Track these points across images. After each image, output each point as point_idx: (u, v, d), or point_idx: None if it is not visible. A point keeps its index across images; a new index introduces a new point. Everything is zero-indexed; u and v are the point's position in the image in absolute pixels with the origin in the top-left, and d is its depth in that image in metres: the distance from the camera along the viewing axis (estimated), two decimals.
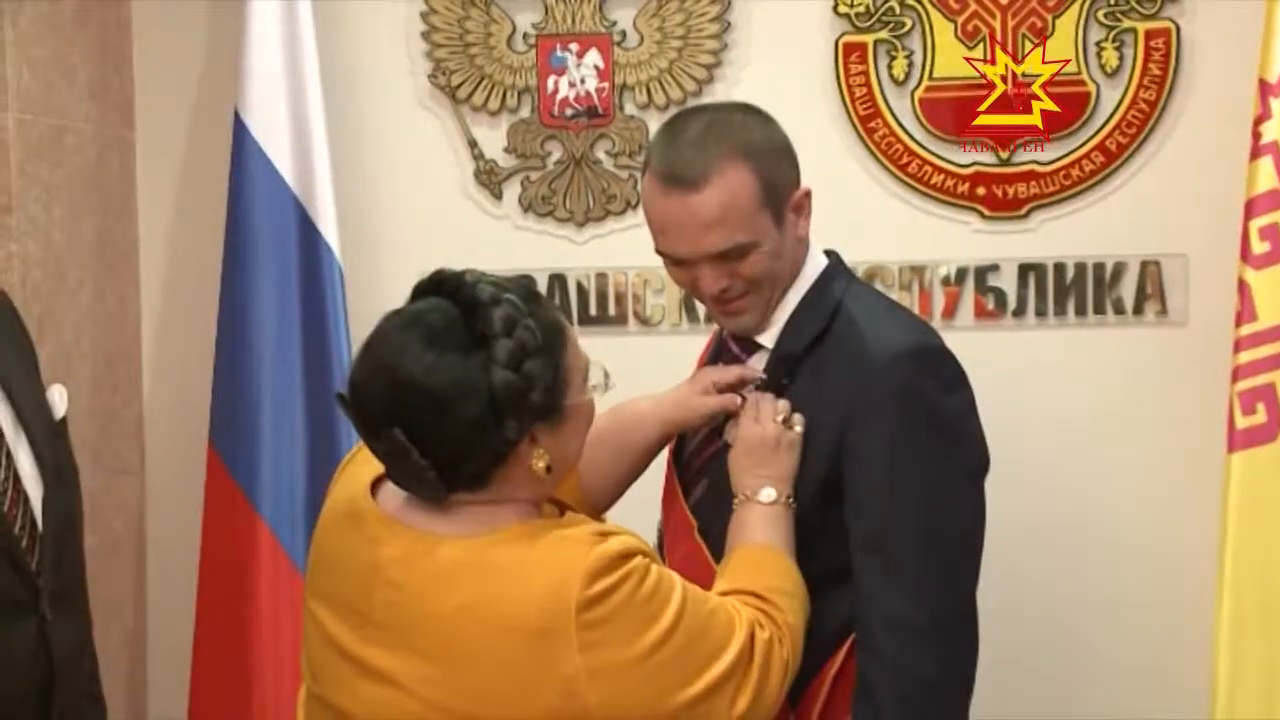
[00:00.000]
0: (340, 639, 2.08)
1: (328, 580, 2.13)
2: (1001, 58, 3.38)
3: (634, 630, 2.00)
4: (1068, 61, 3.37)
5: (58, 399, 2.33)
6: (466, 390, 1.97)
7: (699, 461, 2.50)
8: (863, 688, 2.28)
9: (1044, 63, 3.37)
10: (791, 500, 2.32)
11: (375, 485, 2.13)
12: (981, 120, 3.40)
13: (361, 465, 2.17)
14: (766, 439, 2.33)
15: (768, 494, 2.31)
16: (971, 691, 2.32)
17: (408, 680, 2.01)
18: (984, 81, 3.39)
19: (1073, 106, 3.39)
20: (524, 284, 2.12)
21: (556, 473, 2.09)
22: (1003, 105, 3.39)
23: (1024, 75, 3.38)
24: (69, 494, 2.28)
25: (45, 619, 2.18)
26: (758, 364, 2.43)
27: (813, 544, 2.32)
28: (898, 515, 2.27)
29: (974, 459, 2.34)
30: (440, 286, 2.08)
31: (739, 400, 2.39)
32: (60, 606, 2.21)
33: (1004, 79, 3.39)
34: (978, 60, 3.39)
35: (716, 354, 2.54)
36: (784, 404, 2.36)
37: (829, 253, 2.46)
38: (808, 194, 2.37)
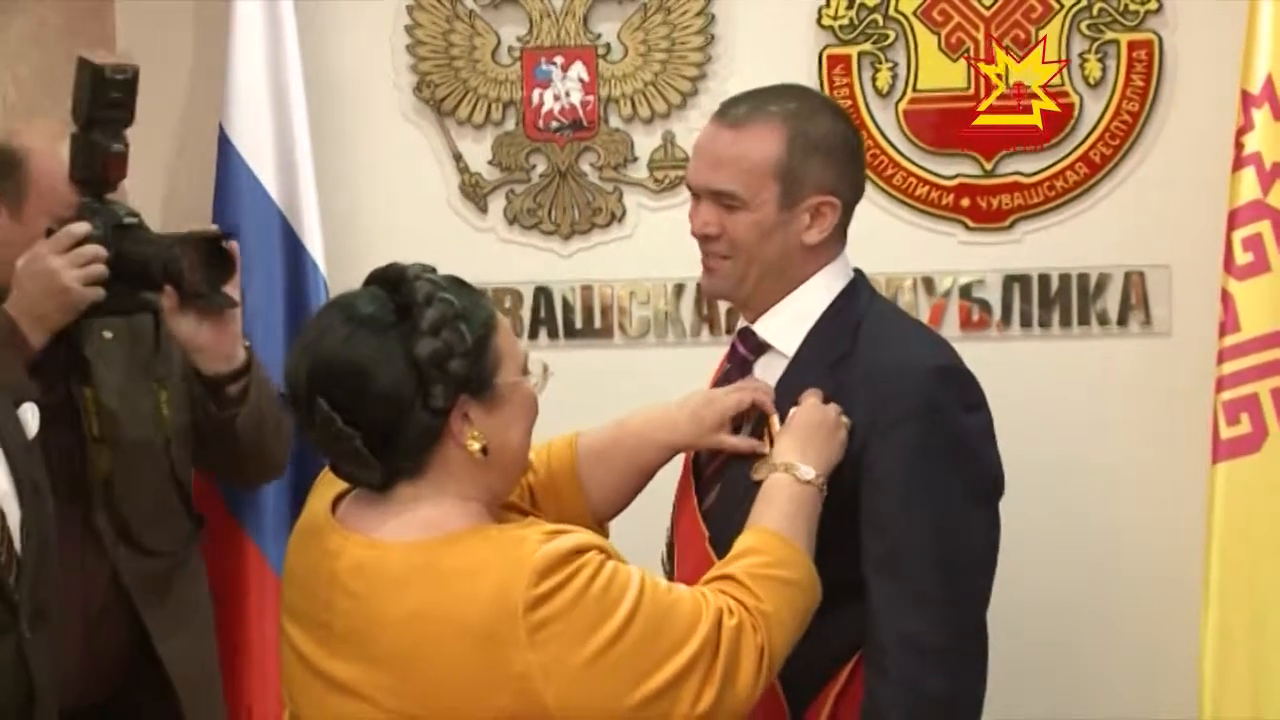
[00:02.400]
0: (309, 655, 2.09)
1: (296, 597, 2.14)
2: (1002, 58, 3.39)
3: (587, 627, 1.99)
4: (1066, 63, 3.38)
5: (29, 417, 2.29)
6: (386, 356, 2.00)
7: (713, 467, 2.47)
8: (872, 706, 2.26)
9: (1044, 63, 3.38)
10: (825, 488, 2.28)
11: (338, 501, 2.15)
12: (981, 121, 3.41)
13: (328, 485, 2.19)
14: (826, 422, 2.30)
15: (807, 471, 2.26)
16: (980, 714, 2.32)
17: (371, 690, 2.02)
18: (969, 93, 3.40)
19: (1056, 118, 3.40)
20: (459, 280, 2.14)
21: (496, 459, 2.08)
22: (1001, 107, 3.40)
23: (1008, 85, 3.39)
24: (44, 512, 2.26)
25: (24, 637, 2.17)
26: (765, 366, 2.43)
27: (825, 557, 2.29)
28: (913, 535, 2.25)
29: (990, 481, 2.35)
30: (376, 278, 2.13)
31: (766, 447, 2.36)
32: (38, 624, 2.19)
33: (1002, 78, 3.39)
34: (977, 60, 3.39)
35: (729, 364, 2.54)
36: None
37: (856, 270, 2.46)
38: (833, 206, 2.37)
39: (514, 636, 1.96)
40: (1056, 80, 3.38)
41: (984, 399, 2.36)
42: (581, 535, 2.07)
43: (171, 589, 2.80)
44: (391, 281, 2.08)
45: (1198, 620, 3.11)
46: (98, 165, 2.57)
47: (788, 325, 2.41)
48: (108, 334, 2.73)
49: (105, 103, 2.54)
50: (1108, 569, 3.42)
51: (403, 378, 2.00)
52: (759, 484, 2.29)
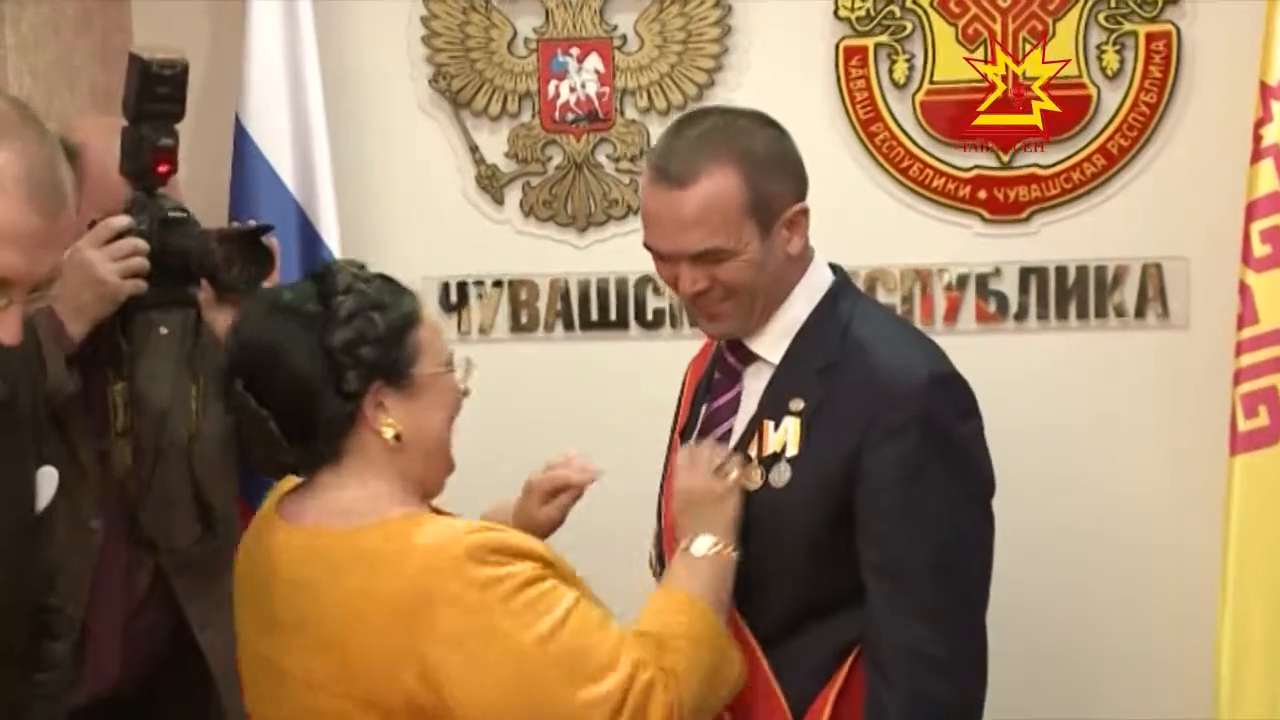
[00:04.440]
0: (263, 651, 2.14)
1: (248, 594, 2.21)
2: (1001, 58, 3.38)
3: (502, 631, 2.02)
4: (1067, 62, 3.37)
5: (46, 484, 2.17)
6: (299, 339, 2.11)
7: None
8: (877, 711, 2.27)
9: (1044, 63, 3.37)
10: (731, 549, 2.30)
11: (284, 501, 2.22)
12: (981, 121, 3.40)
13: (281, 485, 2.27)
14: (704, 491, 2.33)
15: (701, 545, 2.31)
16: (981, 717, 2.33)
17: (323, 678, 2.07)
18: (985, 84, 3.39)
19: (1074, 109, 3.39)
20: (388, 278, 2.23)
21: (412, 447, 2.15)
22: (1002, 106, 3.40)
23: (1024, 77, 3.38)
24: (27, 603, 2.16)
25: None
26: (754, 375, 2.42)
27: (822, 568, 2.32)
28: (912, 544, 2.26)
29: (984, 486, 2.34)
30: (309, 273, 2.24)
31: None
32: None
33: (1004, 79, 3.39)
34: (978, 60, 3.39)
35: (713, 365, 2.53)
36: (720, 450, 2.36)
37: (834, 267, 2.45)
38: (804, 211, 2.35)
39: (430, 619, 2.00)
40: (1073, 71, 3.37)
41: (976, 405, 2.34)
42: (523, 541, 2.12)
43: (213, 578, 2.81)
44: (319, 274, 2.19)
45: (1215, 614, 3.10)
46: (146, 159, 2.57)
47: (779, 334, 2.40)
48: (164, 329, 2.72)
49: (153, 96, 2.55)
50: (1124, 563, 3.42)
51: (314, 361, 2.09)
52: (751, 492, 2.33)
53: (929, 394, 2.27)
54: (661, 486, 2.59)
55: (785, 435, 2.34)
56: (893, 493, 2.26)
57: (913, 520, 2.25)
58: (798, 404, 2.34)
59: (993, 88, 3.39)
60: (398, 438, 2.13)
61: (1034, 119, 3.39)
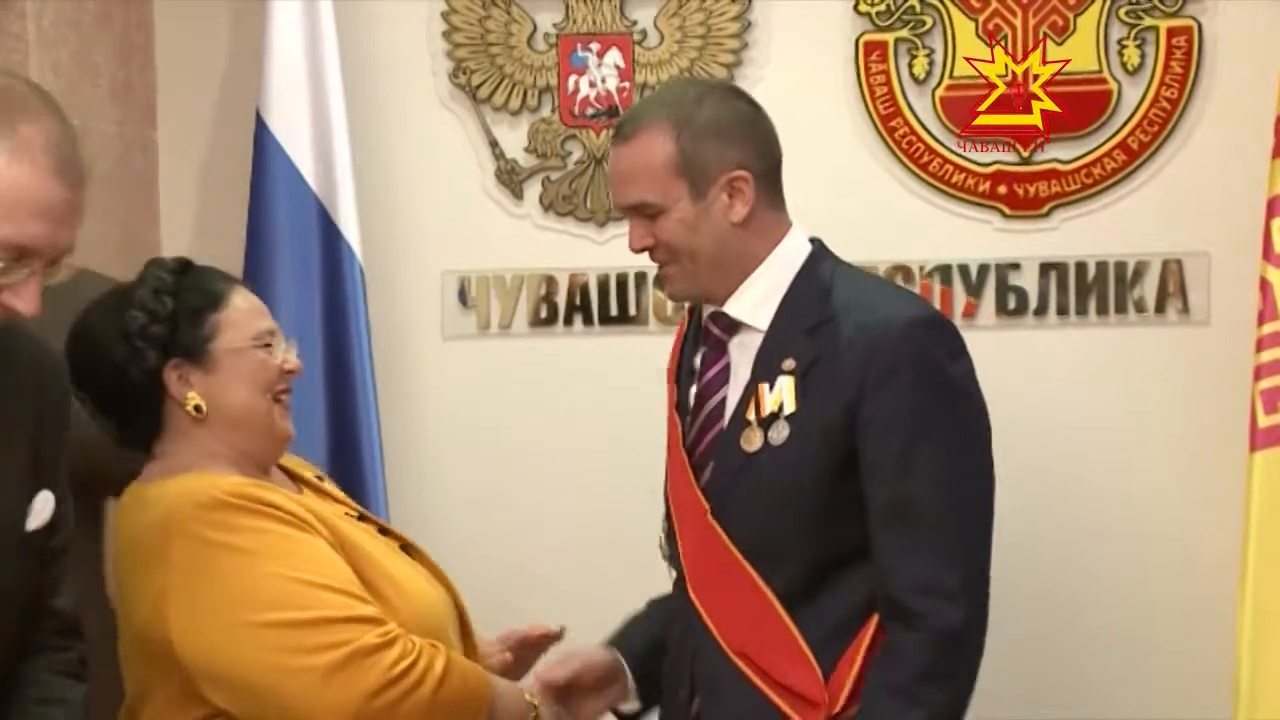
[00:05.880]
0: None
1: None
2: (1001, 58, 3.37)
3: (228, 567, 2.23)
4: (1067, 61, 3.36)
5: (41, 507, 2.13)
6: (103, 327, 2.38)
7: (702, 447, 2.53)
8: (893, 652, 2.34)
9: (1044, 63, 3.37)
10: None
11: None
12: (981, 120, 3.40)
13: None
14: None
15: None
16: (982, 651, 2.39)
17: (120, 623, 2.36)
18: (1006, 80, 3.39)
19: (1094, 105, 3.38)
20: (204, 268, 2.49)
21: (216, 418, 2.37)
22: (1004, 105, 3.39)
23: (1027, 75, 3.37)
24: (8, 612, 2.11)
25: None
26: (740, 344, 2.49)
27: (834, 524, 2.39)
28: (919, 482, 2.34)
29: (983, 424, 2.43)
30: None
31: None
32: None
33: (1003, 79, 3.38)
34: (978, 60, 3.38)
35: (695, 338, 2.59)
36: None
37: (814, 240, 2.54)
38: (743, 179, 2.44)
39: (166, 552, 2.24)
40: (1093, 66, 3.36)
41: (964, 346, 2.44)
42: (281, 498, 2.31)
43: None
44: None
45: (1234, 611, 3.09)
46: None
47: (758, 302, 2.48)
48: None
49: None
50: (1143, 559, 3.40)
51: (115, 345, 2.36)
52: (752, 453, 2.41)
53: (917, 335, 2.39)
54: (667, 471, 2.62)
55: (781, 394, 2.42)
56: (896, 434, 2.35)
57: (917, 458, 2.35)
58: (790, 363, 2.42)
59: (1009, 85, 3.38)
60: (197, 409, 2.37)
61: (1034, 119, 3.38)
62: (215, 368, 2.38)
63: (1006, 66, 3.38)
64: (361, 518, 2.55)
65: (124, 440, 2.44)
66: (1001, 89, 3.38)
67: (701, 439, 2.52)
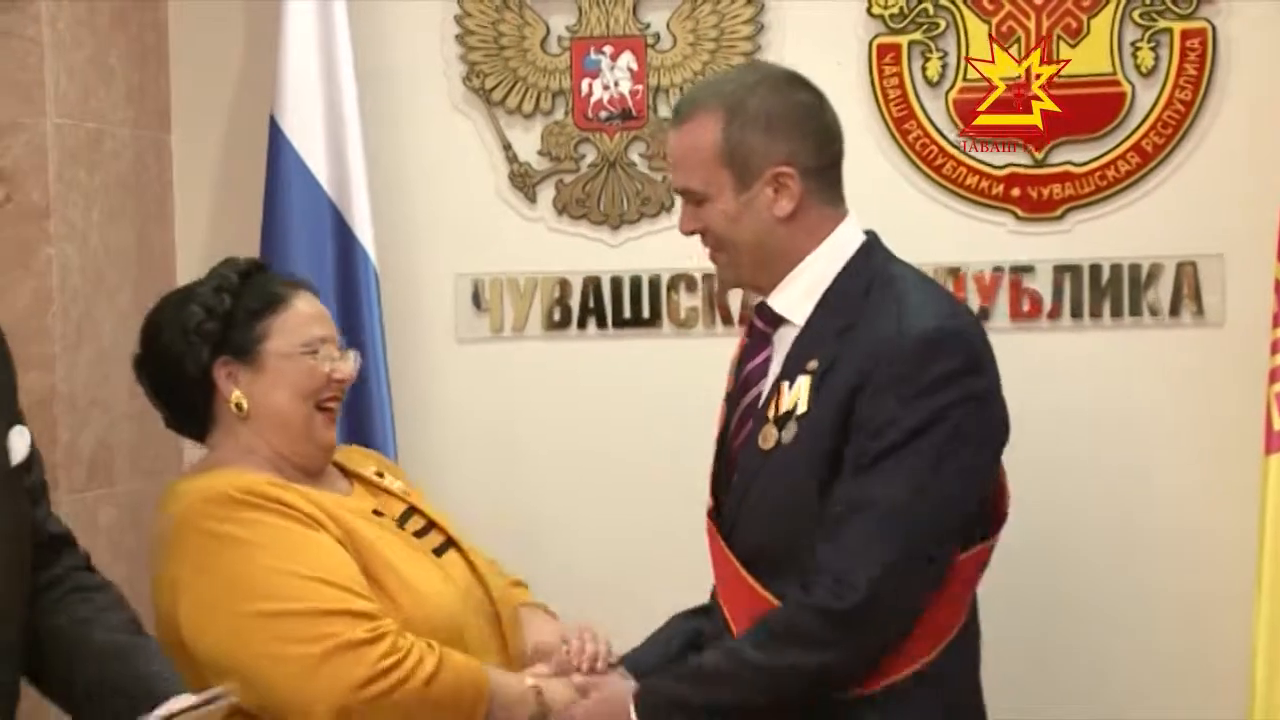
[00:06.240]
0: None
1: None
2: (1002, 58, 3.37)
3: (230, 559, 2.31)
4: (1067, 62, 3.36)
5: (18, 441, 2.24)
6: (166, 321, 2.51)
7: (739, 440, 2.52)
8: (778, 607, 2.35)
9: (1043, 63, 3.36)
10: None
11: None
12: (982, 120, 3.40)
13: None
14: None
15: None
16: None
17: (153, 607, 2.43)
18: (1020, 81, 3.38)
19: (1108, 107, 3.38)
20: (272, 274, 2.62)
21: (257, 418, 2.47)
22: (1005, 106, 3.39)
23: (1033, 75, 3.38)
24: (17, 546, 2.20)
25: None
26: (781, 338, 2.47)
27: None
28: (873, 486, 2.31)
29: (961, 449, 2.34)
30: None
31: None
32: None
33: (1006, 80, 3.38)
34: (979, 61, 3.38)
35: (749, 331, 2.58)
36: None
37: (868, 233, 2.50)
38: (789, 174, 2.40)
39: (174, 547, 2.34)
40: (1106, 69, 3.36)
41: (973, 362, 2.36)
42: (295, 497, 2.37)
43: None
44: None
45: (1249, 615, 3.09)
46: None
47: (800, 297, 2.46)
48: None
49: None
50: (1157, 562, 3.40)
51: (174, 337, 2.48)
52: (767, 451, 2.41)
53: (920, 353, 2.32)
54: (719, 444, 2.59)
55: (797, 394, 2.40)
56: (870, 438, 2.31)
57: (879, 462, 2.30)
58: (813, 364, 2.40)
59: (1010, 88, 3.38)
60: (239, 406, 2.47)
61: (1034, 119, 3.38)
62: (262, 369, 2.48)
63: (1009, 68, 3.37)
64: (409, 514, 2.60)
65: (176, 426, 2.59)
66: (1001, 89, 3.38)
67: (739, 432, 2.52)
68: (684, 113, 2.47)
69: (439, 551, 2.57)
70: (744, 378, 2.53)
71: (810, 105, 2.47)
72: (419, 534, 2.59)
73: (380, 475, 2.68)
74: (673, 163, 2.51)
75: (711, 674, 2.38)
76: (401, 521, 2.59)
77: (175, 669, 2.26)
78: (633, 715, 2.39)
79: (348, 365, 2.54)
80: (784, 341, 2.47)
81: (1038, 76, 3.37)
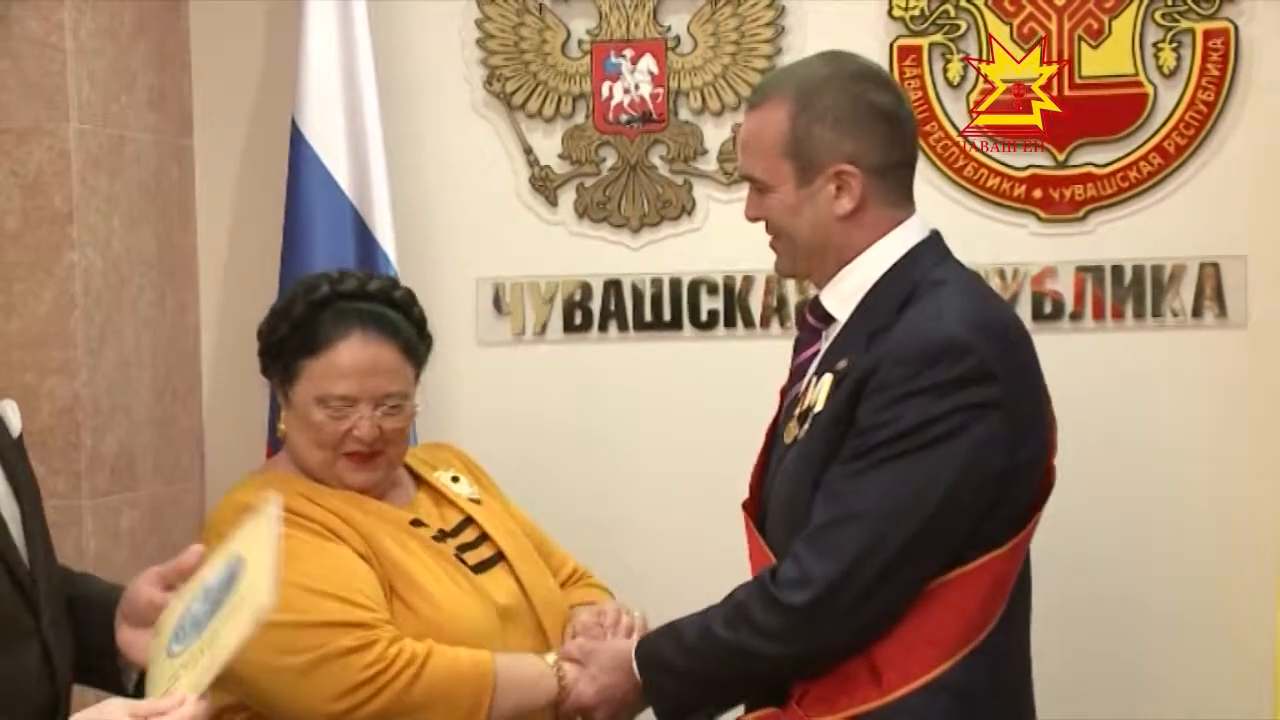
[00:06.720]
0: None
1: None
2: (1002, 59, 3.37)
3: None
4: (1067, 63, 3.35)
5: (11, 414, 2.26)
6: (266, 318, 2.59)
7: (771, 441, 2.53)
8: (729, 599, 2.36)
9: (1043, 63, 3.36)
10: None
11: None
12: (981, 121, 3.39)
13: None
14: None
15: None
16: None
17: None
18: (1042, 84, 3.38)
19: (1130, 108, 3.37)
20: (354, 307, 2.55)
21: (290, 446, 2.54)
22: (1006, 107, 3.39)
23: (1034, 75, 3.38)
24: (40, 513, 2.22)
25: (47, 642, 2.14)
26: (829, 334, 2.45)
27: None
28: (848, 487, 2.28)
29: (946, 469, 2.27)
30: None
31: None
32: (57, 628, 2.17)
33: (1007, 81, 3.38)
34: (979, 62, 3.38)
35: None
36: None
37: (933, 233, 2.46)
38: (851, 174, 2.36)
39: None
40: (1129, 69, 3.35)
41: (982, 371, 2.27)
42: (320, 513, 2.41)
43: None
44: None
45: (1274, 616, 3.08)
46: None
47: (847, 295, 2.42)
48: None
49: None
50: (1181, 564, 3.39)
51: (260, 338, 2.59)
52: (788, 445, 2.40)
53: (921, 364, 2.26)
54: (768, 435, 2.58)
55: (820, 392, 2.37)
56: (857, 438, 2.28)
57: (857, 465, 2.27)
58: (843, 364, 2.36)
59: (1049, 87, 3.38)
60: (277, 432, 2.58)
61: (1034, 119, 3.37)
62: (292, 406, 2.53)
63: (1008, 68, 3.37)
64: (464, 525, 2.61)
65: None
66: (1001, 89, 3.38)
67: (774, 428, 2.54)
68: (757, 98, 2.44)
69: (485, 565, 2.56)
70: (793, 370, 2.53)
71: (883, 105, 2.40)
72: (468, 546, 2.57)
73: (456, 480, 2.68)
74: (740, 146, 2.49)
75: (690, 646, 2.40)
76: (455, 533, 2.58)
77: None
78: (635, 671, 2.42)
79: (366, 426, 2.47)
80: (829, 338, 2.45)
81: (1038, 77, 3.36)
